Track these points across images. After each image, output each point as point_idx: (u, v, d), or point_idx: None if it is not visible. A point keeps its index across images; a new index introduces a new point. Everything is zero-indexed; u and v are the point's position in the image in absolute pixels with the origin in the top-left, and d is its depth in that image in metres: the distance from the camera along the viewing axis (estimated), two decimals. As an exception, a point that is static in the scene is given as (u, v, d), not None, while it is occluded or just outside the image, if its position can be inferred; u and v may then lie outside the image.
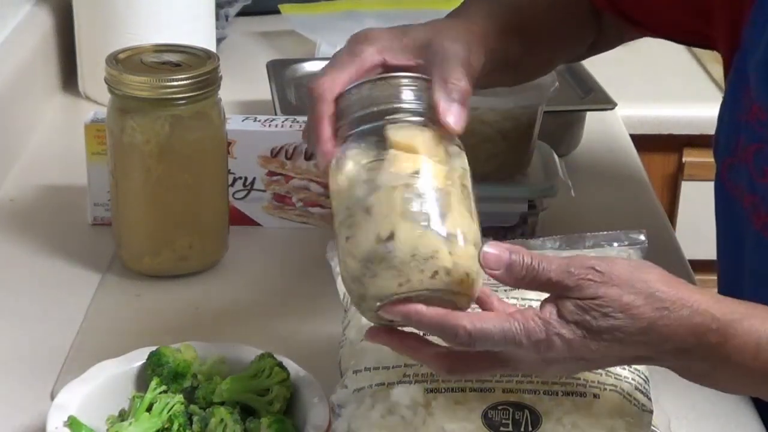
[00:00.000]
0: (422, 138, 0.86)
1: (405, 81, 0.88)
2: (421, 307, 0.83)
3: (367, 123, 0.87)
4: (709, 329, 0.83)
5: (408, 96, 0.87)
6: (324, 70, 0.93)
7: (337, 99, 0.90)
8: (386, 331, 0.86)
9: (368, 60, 0.93)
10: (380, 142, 0.86)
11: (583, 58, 1.29)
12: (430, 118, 0.87)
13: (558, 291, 0.83)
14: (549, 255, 0.84)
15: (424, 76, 0.89)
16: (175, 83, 1.13)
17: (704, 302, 0.83)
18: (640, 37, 1.28)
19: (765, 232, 1.04)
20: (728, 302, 0.85)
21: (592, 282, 0.82)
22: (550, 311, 0.82)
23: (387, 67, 0.93)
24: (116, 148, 1.17)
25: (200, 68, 1.15)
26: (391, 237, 0.82)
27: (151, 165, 1.15)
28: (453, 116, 0.88)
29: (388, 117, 0.86)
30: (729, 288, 1.13)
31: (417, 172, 0.84)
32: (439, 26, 0.98)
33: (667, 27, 1.19)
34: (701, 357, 0.84)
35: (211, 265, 1.22)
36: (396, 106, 0.87)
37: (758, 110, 1.03)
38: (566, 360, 0.83)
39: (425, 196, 0.84)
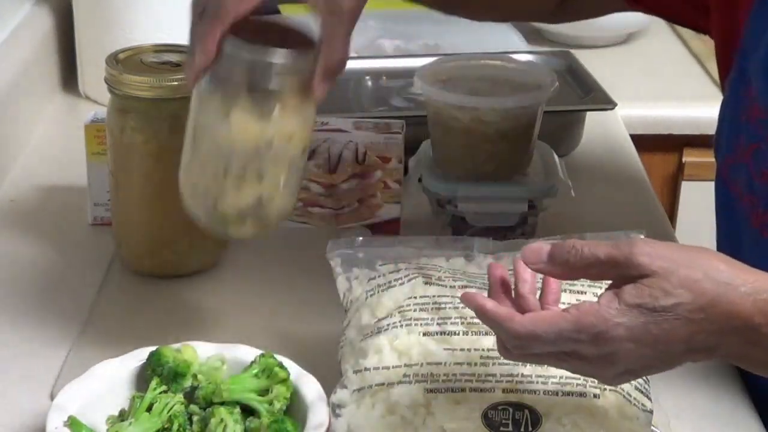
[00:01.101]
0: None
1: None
2: (489, 304, 0.82)
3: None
4: None
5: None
6: None
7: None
8: (481, 296, 0.84)
9: None
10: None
11: (550, 21, 1.29)
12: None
13: (609, 270, 0.80)
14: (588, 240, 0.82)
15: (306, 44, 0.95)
16: (175, 83, 1.13)
17: (767, 280, 0.81)
18: (624, 10, 1.27)
19: (763, 232, 1.05)
20: None
21: (645, 256, 0.79)
22: (609, 300, 0.79)
23: None
24: (116, 148, 1.17)
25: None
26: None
27: (151, 165, 1.15)
28: (321, 92, 0.95)
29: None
30: None
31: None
32: None
33: (666, 11, 1.19)
34: None
35: (211, 265, 1.22)
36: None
37: (759, 110, 1.03)
38: (628, 355, 0.80)
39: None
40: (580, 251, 0.81)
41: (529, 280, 0.85)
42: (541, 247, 0.83)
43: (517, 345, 0.81)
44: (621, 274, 0.80)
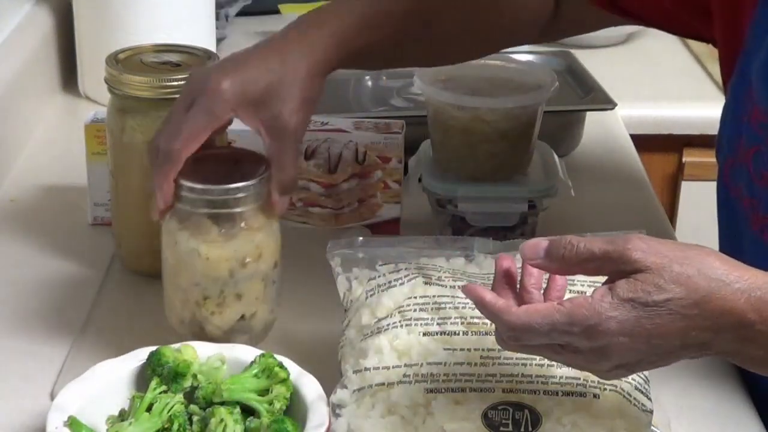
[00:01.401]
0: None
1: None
2: (487, 296, 0.83)
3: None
4: None
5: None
6: (177, 127, 1.01)
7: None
8: (481, 288, 0.85)
9: (224, 119, 1.03)
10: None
11: (535, 42, 1.29)
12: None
13: (604, 265, 0.81)
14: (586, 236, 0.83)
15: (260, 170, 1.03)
16: (175, 83, 1.13)
17: (762, 278, 0.81)
18: (618, 24, 1.27)
19: (762, 235, 1.05)
20: None
21: (639, 251, 0.80)
22: (602, 294, 0.80)
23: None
24: (116, 148, 1.17)
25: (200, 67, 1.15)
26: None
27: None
28: (281, 207, 1.04)
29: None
30: None
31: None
32: (280, 69, 1.04)
33: (665, 21, 1.19)
34: (765, 335, 0.81)
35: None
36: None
37: (759, 112, 1.03)
38: (621, 349, 0.80)
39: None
40: (575, 246, 0.82)
41: (535, 275, 0.86)
42: (538, 242, 0.84)
43: (512, 336, 0.82)
44: (615, 269, 0.81)
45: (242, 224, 1.01)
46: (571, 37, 1.36)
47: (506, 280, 0.86)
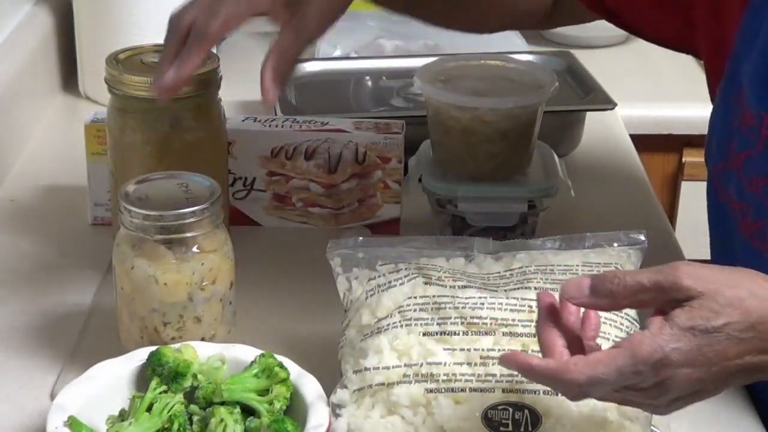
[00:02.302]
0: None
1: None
2: (533, 361, 0.81)
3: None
4: None
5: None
6: (215, 8, 1.03)
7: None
8: (523, 355, 0.83)
9: (260, 9, 1.05)
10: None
11: (541, 28, 1.33)
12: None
13: (656, 296, 0.80)
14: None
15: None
16: None
17: None
18: (593, 19, 1.29)
19: (753, 241, 1.04)
20: None
21: (690, 278, 0.79)
22: (660, 326, 0.79)
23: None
24: (116, 148, 1.17)
25: (200, 68, 1.15)
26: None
27: (151, 165, 1.14)
28: (271, 96, 1.04)
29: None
30: None
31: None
32: None
33: (654, 33, 1.20)
34: None
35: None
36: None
37: (749, 116, 1.03)
38: (683, 380, 0.79)
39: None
40: (623, 281, 0.80)
41: (574, 313, 0.85)
42: (581, 281, 0.82)
43: (580, 392, 0.80)
44: (667, 298, 0.80)
45: (195, 248, 1.01)
46: (568, 26, 1.38)
47: (552, 318, 0.84)
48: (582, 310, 0.85)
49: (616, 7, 1.20)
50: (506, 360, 0.82)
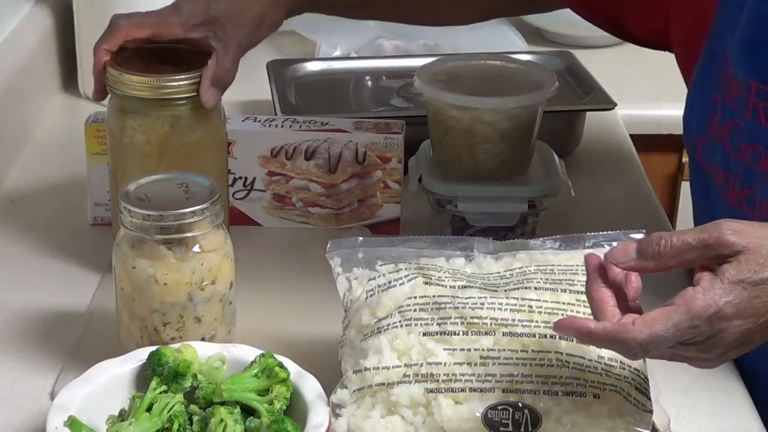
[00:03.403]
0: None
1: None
2: (591, 325, 0.83)
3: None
4: None
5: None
6: (134, 13, 1.16)
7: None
8: (578, 320, 0.84)
9: (170, 27, 1.15)
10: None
11: (522, 13, 1.35)
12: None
13: (703, 253, 0.83)
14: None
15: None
16: (176, 83, 1.13)
17: None
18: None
19: (741, 207, 1.07)
20: None
21: (733, 234, 0.82)
22: (710, 281, 0.82)
23: (186, 38, 1.16)
24: (116, 148, 1.17)
25: (200, 68, 1.15)
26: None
27: (151, 165, 1.14)
28: (208, 95, 1.13)
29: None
30: None
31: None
32: None
33: (631, 27, 1.21)
34: None
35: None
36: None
37: (737, 87, 1.06)
38: (736, 332, 0.82)
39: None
40: (669, 241, 0.83)
41: (618, 275, 0.87)
42: (626, 245, 0.85)
43: (641, 350, 0.82)
44: (714, 255, 0.83)
45: (195, 248, 1.01)
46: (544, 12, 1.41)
47: (602, 278, 0.86)
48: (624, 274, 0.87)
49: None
50: (563, 326, 0.84)
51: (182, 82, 1.13)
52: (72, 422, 0.90)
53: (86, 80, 1.68)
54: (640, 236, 0.99)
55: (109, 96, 1.16)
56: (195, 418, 0.94)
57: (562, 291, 0.96)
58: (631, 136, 1.61)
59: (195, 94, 1.13)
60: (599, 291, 0.85)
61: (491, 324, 0.93)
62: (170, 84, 1.13)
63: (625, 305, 0.85)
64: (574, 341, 0.91)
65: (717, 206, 1.11)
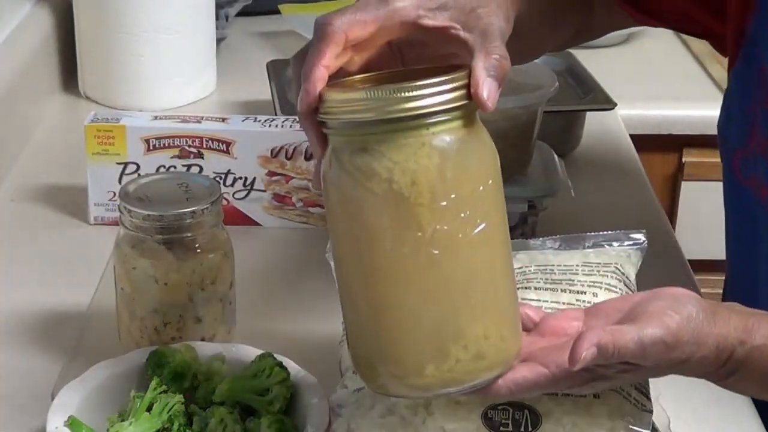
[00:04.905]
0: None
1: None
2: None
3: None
4: None
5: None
6: (344, 9, 0.80)
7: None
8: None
9: (402, 13, 0.81)
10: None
11: (568, 46, 1.22)
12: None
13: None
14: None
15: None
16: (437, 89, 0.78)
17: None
18: (630, 26, 1.25)
19: None
20: None
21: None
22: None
23: (420, 28, 0.82)
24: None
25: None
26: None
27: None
28: (487, 91, 0.79)
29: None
30: (741, 290, 1.12)
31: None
32: None
33: (683, 23, 1.17)
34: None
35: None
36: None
37: None
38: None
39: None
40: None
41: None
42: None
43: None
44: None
45: (197, 247, 1.01)
46: (593, 41, 1.30)
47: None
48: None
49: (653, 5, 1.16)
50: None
51: (446, 86, 0.78)
52: (72, 422, 0.90)
53: (86, 80, 1.68)
54: (640, 236, 0.99)
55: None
56: (195, 418, 0.94)
57: (561, 291, 0.96)
58: (631, 136, 1.61)
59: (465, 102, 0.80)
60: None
61: (491, 324, 0.93)
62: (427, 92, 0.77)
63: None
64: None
65: (760, 222, 1.07)
